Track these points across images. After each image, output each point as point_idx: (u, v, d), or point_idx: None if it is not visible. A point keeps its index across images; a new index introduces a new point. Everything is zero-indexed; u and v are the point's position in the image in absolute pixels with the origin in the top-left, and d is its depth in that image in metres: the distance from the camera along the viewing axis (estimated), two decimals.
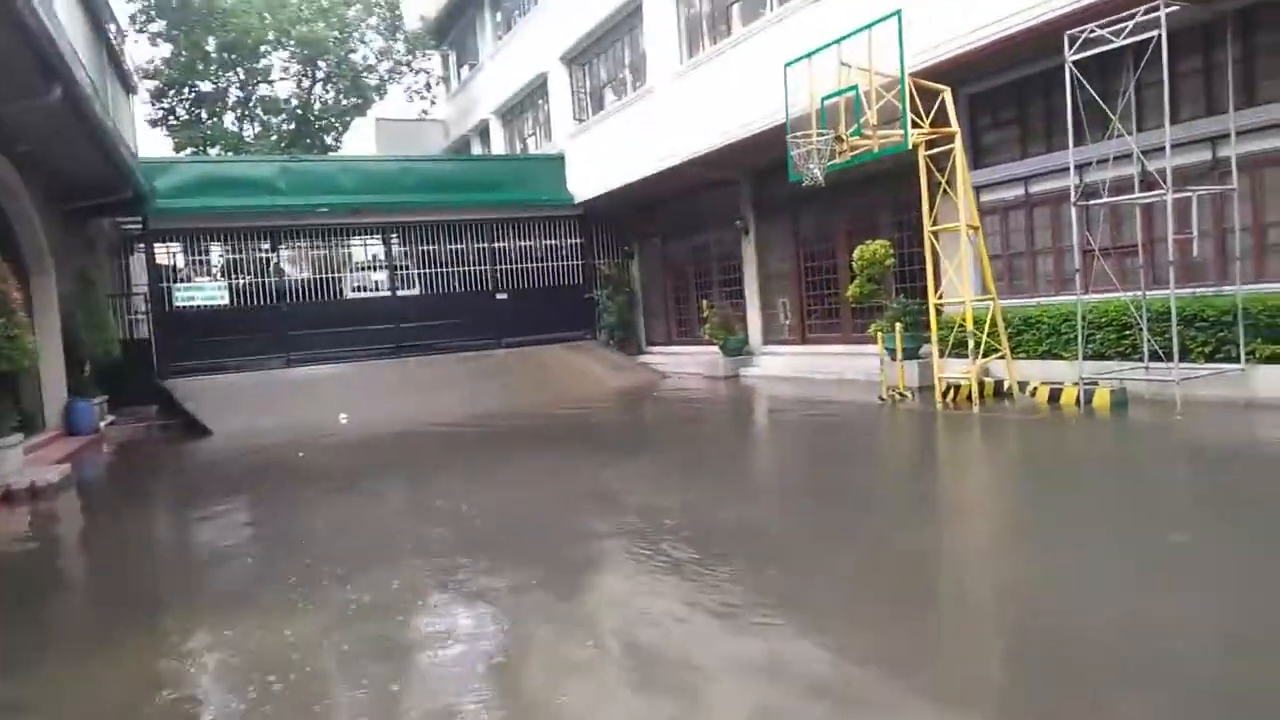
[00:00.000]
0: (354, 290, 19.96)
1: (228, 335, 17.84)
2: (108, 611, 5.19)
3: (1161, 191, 8.56)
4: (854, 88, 10.26)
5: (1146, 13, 8.28)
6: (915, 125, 10.32)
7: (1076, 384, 9.52)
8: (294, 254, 20.15)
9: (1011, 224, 12.02)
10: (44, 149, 11.88)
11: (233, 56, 26.30)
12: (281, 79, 28.35)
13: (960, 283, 10.83)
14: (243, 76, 27.38)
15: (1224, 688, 3.16)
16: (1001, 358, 10.79)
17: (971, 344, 10.61)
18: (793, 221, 16.53)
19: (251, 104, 28.19)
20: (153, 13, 25.39)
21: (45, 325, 12.72)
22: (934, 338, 11.17)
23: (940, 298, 11.21)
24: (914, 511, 6.33)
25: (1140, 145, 9.23)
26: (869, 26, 10.12)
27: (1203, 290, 9.44)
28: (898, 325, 11.76)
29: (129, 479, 10.93)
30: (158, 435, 15.15)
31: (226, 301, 18.19)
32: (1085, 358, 9.71)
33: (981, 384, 10.53)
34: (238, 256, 18.57)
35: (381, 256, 20.18)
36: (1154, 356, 9.45)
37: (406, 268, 20.14)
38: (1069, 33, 9.03)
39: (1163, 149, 8.83)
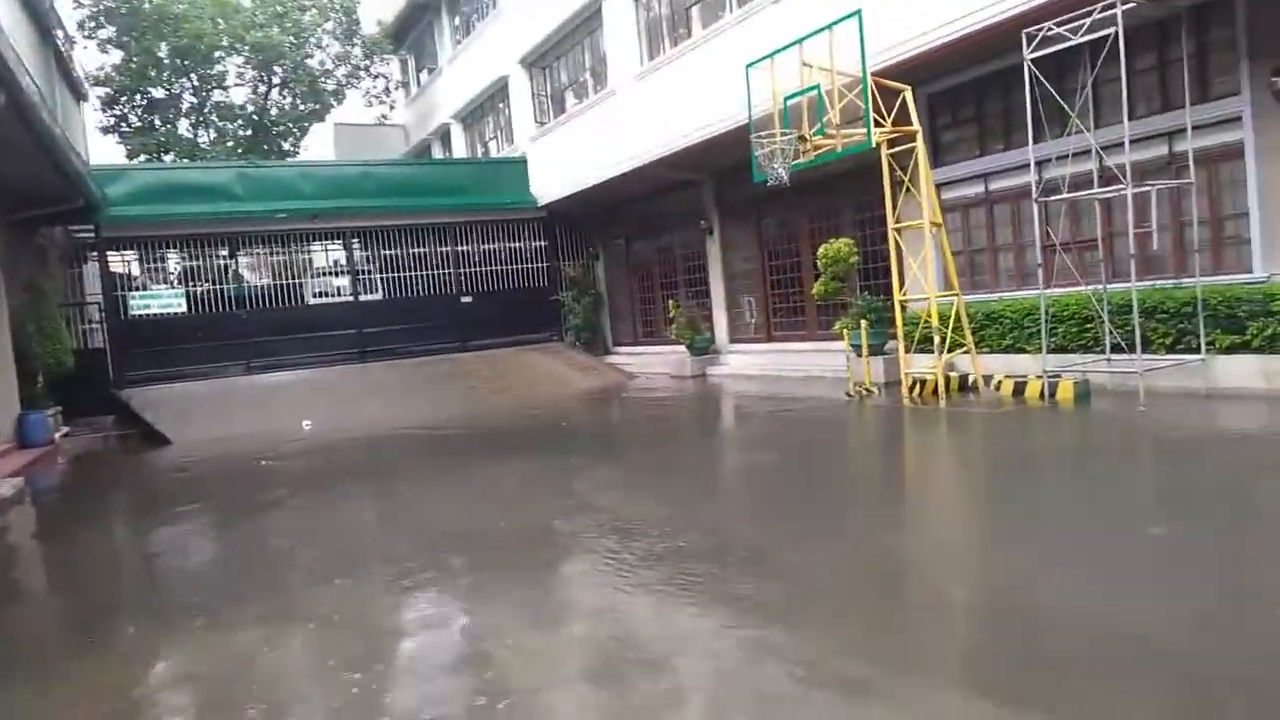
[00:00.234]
0: (315, 296, 19.66)
1: (186, 343, 17.50)
2: (55, 626, 5.03)
3: (1121, 186, 8.69)
4: (816, 87, 10.30)
5: (1103, 10, 8.40)
6: (877, 124, 10.40)
7: (1040, 377, 9.64)
8: (253, 260, 19.86)
9: (972, 221, 12.15)
10: None
11: (185, 62, 25.82)
12: (237, 85, 27.90)
13: (924, 279, 10.93)
14: (196, 83, 26.87)
15: (1184, 671, 3.19)
16: (966, 352, 10.90)
17: (937, 339, 10.70)
18: (757, 221, 16.59)
19: (206, 110, 27.68)
20: (102, 19, 24.82)
21: None
22: (899, 334, 11.26)
23: (905, 294, 11.30)
24: (886, 507, 6.37)
25: (1098, 141, 9.38)
26: (830, 26, 10.17)
27: (1162, 282, 9.61)
28: (863, 322, 11.84)
29: (84, 491, 10.65)
30: (115, 446, 14.79)
31: (184, 309, 17.82)
32: (1048, 351, 9.84)
33: (947, 379, 10.63)
34: (195, 264, 18.22)
35: (343, 262, 19.90)
36: (1115, 349, 9.60)
37: (369, 272, 19.89)
38: (1026, 31, 9.15)
39: (1120, 145, 8.97)
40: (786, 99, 10.68)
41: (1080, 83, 9.45)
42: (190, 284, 18.13)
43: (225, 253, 18.61)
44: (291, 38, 26.48)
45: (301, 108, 28.37)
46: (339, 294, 19.77)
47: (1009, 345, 10.91)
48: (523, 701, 3.35)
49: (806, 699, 3.19)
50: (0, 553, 7.40)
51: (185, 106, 27.38)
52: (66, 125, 15.55)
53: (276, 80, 27.58)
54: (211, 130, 27.96)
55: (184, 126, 27.55)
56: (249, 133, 27.94)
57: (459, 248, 20.35)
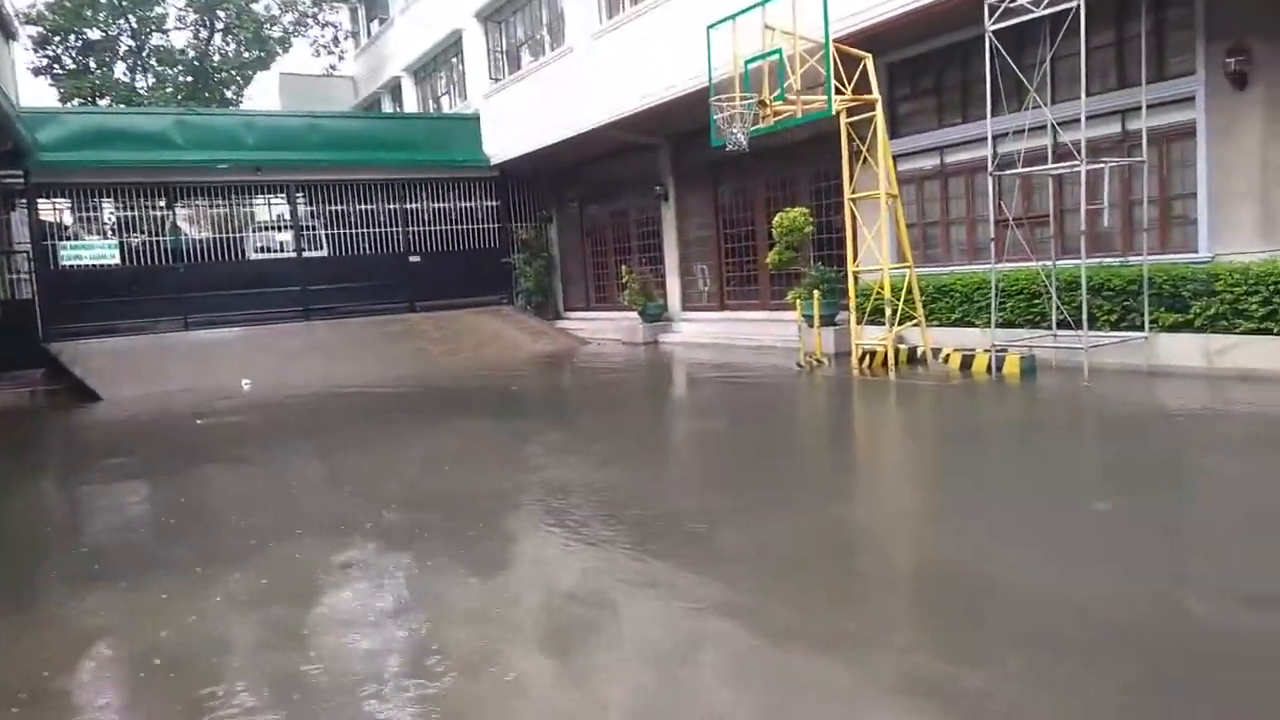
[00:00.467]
0: (257, 251, 19.07)
1: (120, 297, 16.90)
2: None
3: (1075, 163, 8.70)
4: (778, 51, 10.13)
5: None
6: (838, 92, 10.29)
7: (988, 351, 9.69)
8: (192, 212, 19.18)
9: (926, 193, 12.15)
10: None
11: (123, 3, 24.77)
12: (177, 28, 26.91)
13: (879, 251, 10.90)
14: (135, 24, 25.83)
15: (1120, 636, 3.18)
16: (916, 325, 10.93)
17: (888, 311, 10.70)
18: (713, 188, 16.43)
19: (145, 54, 26.65)
20: None
21: None
22: (851, 305, 11.24)
23: (858, 265, 11.28)
24: (830, 477, 6.34)
25: (1053, 117, 9.38)
26: None
27: (1109, 260, 9.69)
28: (815, 292, 11.80)
29: (1, 448, 10.21)
30: (41, 401, 14.28)
31: (117, 261, 17.17)
32: (997, 326, 9.89)
33: (896, 351, 10.65)
34: (131, 214, 17.53)
35: (287, 216, 19.27)
36: (1062, 325, 9.69)
37: (314, 228, 19.34)
38: (989, 1, 9.07)
39: (1074, 121, 8.98)
40: (747, 62, 10.50)
41: (1039, 57, 9.43)
42: (126, 235, 17.46)
43: (163, 203, 17.95)
44: None
45: (245, 55, 27.47)
46: (282, 249, 19.20)
47: (959, 319, 10.96)
48: (447, 663, 3.22)
49: (752, 667, 3.12)
50: None
51: (122, 49, 26.34)
52: None
53: (219, 25, 26.64)
54: (150, 75, 26.95)
55: (121, 70, 26.54)
56: (189, 79, 27.00)
57: (408, 205, 19.88)
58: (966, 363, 9.98)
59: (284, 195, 19.08)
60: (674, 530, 4.86)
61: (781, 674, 3.09)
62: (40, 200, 16.77)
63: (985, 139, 9.95)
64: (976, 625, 3.44)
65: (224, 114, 21.89)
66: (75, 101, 24.69)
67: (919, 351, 10.89)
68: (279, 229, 19.43)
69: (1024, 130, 9.56)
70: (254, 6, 26.66)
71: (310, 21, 27.94)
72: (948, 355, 10.37)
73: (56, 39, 25.00)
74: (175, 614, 4.00)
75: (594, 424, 9.37)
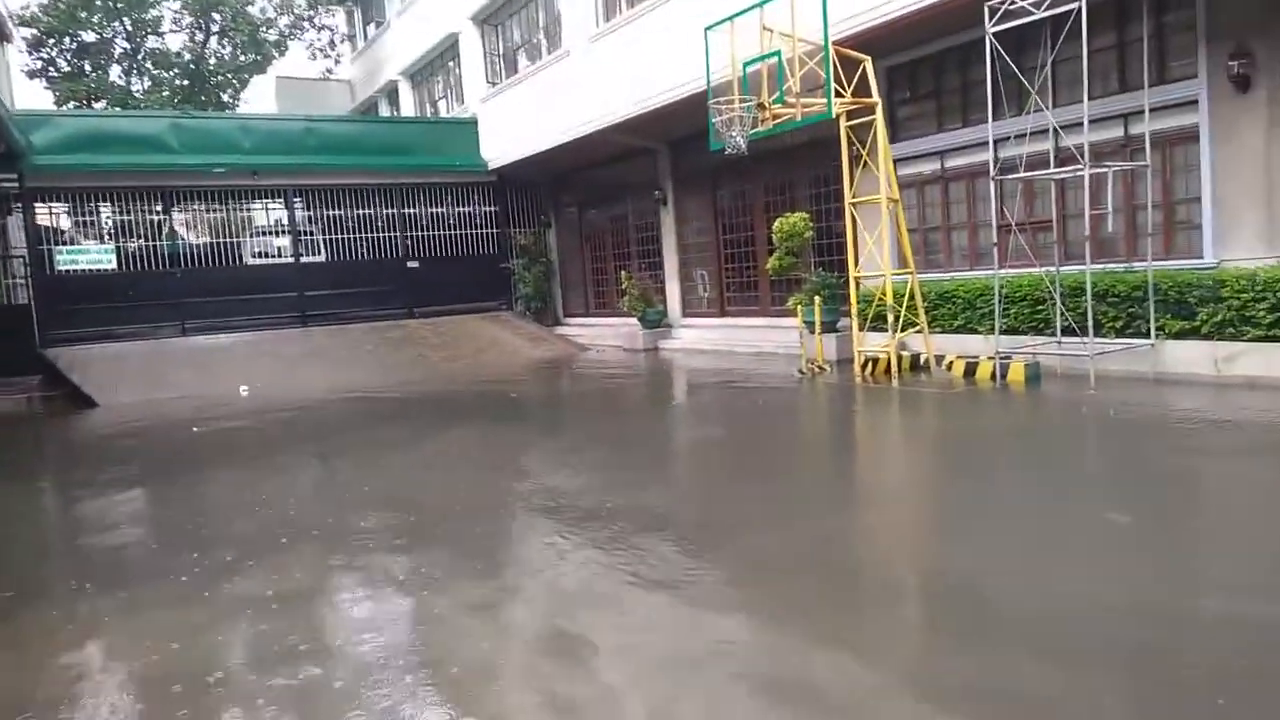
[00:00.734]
0: (255, 256, 18.98)
1: (118, 302, 16.79)
2: None
3: (1079, 166, 8.61)
4: (777, 53, 10.05)
5: None
6: (838, 94, 10.20)
7: (992, 358, 9.60)
8: (189, 217, 19.08)
9: (927, 198, 12.06)
10: None
11: (119, 5, 24.66)
12: (173, 31, 26.75)
13: (880, 256, 10.81)
14: (130, 27, 25.68)
15: (1122, 648, 3.09)
16: (919, 331, 10.84)
17: (890, 318, 10.61)
18: (712, 193, 16.34)
19: (140, 57, 26.50)
20: None
21: None
22: (853, 311, 11.15)
23: (859, 271, 11.19)
24: (834, 488, 6.24)
25: (1054, 121, 9.29)
26: None
27: (1114, 266, 9.60)
28: (816, 298, 11.71)
29: None
30: (38, 408, 14.17)
31: (114, 265, 17.05)
32: (1000, 332, 9.80)
33: (899, 358, 10.56)
34: (128, 218, 17.41)
35: (284, 221, 19.18)
36: (1066, 331, 9.60)
37: (311, 233, 19.24)
38: (989, 3, 8.99)
39: (1075, 125, 8.89)
40: (746, 64, 10.42)
41: (1040, 61, 9.35)
42: (122, 239, 17.35)
43: (159, 208, 17.85)
44: None
45: (241, 58, 27.33)
46: (280, 255, 19.11)
47: (961, 325, 10.87)
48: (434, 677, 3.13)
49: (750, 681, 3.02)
50: None
51: (118, 52, 26.20)
52: None
53: (215, 28, 26.49)
54: (145, 78, 26.81)
55: (116, 73, 26.40)
56: (185, 82, 26.85)
57: (406, 210, 19.78)
58: (970, 370, 9.89)
59: (281, 200, 18.97)
60: (678, 539, 4.77)
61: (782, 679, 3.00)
62: (36, 204, 16.67)
63: (985, 143, 9.88)
64: (995, 640, 3.35)
65: (220, 117, 21.77)
66: (70, 104, 24.57)
67: (922, 358, 10.80)
68: (276, 234, 19.35)
69: (1025, 134, 9.48)
70: (250, 10, 26.53)
71: (306, 25, 27.82)
72: (951, 362, 10.28)
73: (51, 41, 24.86)
74: (140, 633, 3.90)
75: (594, 434, 9.27)
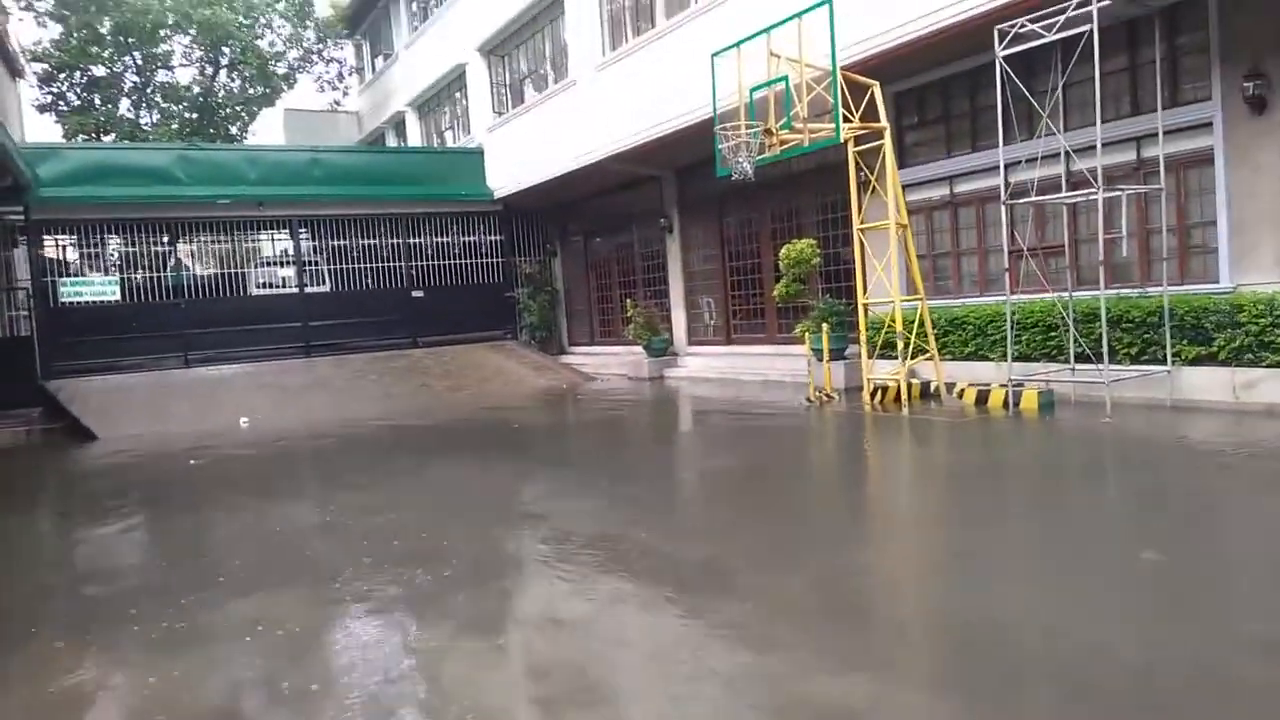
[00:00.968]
0: (259, 286, 18.89)
1: (120, 333, 16.71)
2: None
3: (1092, 190, 8.44)
4: (784, 78, 9.96)
5: (1078, 7, 8.14)
6: (845, 120, 10.08)
7: (1004, 386, 9.39)
8: (195, 248, 19.06)
9: (936, 224, 11.91)
10: None
11: (129, 40, 24.84)
12: (182, 65, 26.98)
13: (889, 282, 10.64)
14: (140, 61, 25.90)
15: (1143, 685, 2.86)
16: (929, 359, 10.63)
17: (900, 345, 10.42)
18: (718, 220, 16.23)
19: (149, 91, 26.69)
20: None
21: None
22: (862, 338, 10.95)
23: (868, 297, 11.01)
24: (844, 524, 6.01)
25: (1066, 144, 9.15)
26: (799, 15, 9.83)
27: (1127, 291, 9.40)
28: (824, 325, 11.52)
29: None
30: (38, 440, 14.03)
31: (118, 297, 16.99)
32: (1012, 359, 9.59)
33: (909, 386, 10.35)
34: (133, 250, 17.38)
35: (289, 251, 19.12)
36: (1080, 358, 9.39)
37: (316, 263, 19.18)
38: (999, 27, 8.88)
39: (1086, 149, 8.75)
40: (753, 90, 10.33)
41: (1051, 84, 9.23)
42: (127, 271, 17.30)
43: (165, 239, 17.83)
44: (241, 17, 25.58)
45: (250, 91, 27.51)
46: (284, 285, 19.01)
47: (972, 352, 10.66)
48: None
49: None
50: None
51: (127, 86, 26.39)
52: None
53: (224, 61, 26.71)
54: (155, 112, 26.99)
55: (125, 107, 26.59)
56: (194, 116, 27.01)
57: (411, 240, 19.73)
58: (982, 398, 9.67)
59: (287, 230, 18.93)
60: (685, 579, 4.55)
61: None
62: (42, 236, 16.65)
63: (994, 168, 9.75)
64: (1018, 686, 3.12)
65: (227, 149, 21.83)
66: (80, 138, 24.70)
67: (932, 386, 10.58)
68: (281, 264, 19.28)
69: (1037, 158, 9.34)
70: (259, 43, 26.71)
71: (315, 58, 28.01)
72: (962, 390, 10.06)
73: (61, 75, 25.06)
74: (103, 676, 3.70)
75: (600, 466, 9.05)
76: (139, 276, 17.30)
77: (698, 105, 12.38)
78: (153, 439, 12.49)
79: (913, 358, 10.57)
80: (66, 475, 10.72)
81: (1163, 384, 8.73)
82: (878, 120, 10.31)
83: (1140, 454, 7.27)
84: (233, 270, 18.31)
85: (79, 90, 25.66)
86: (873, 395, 10.51)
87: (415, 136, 25.37)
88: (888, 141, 10.38)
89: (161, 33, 25.08)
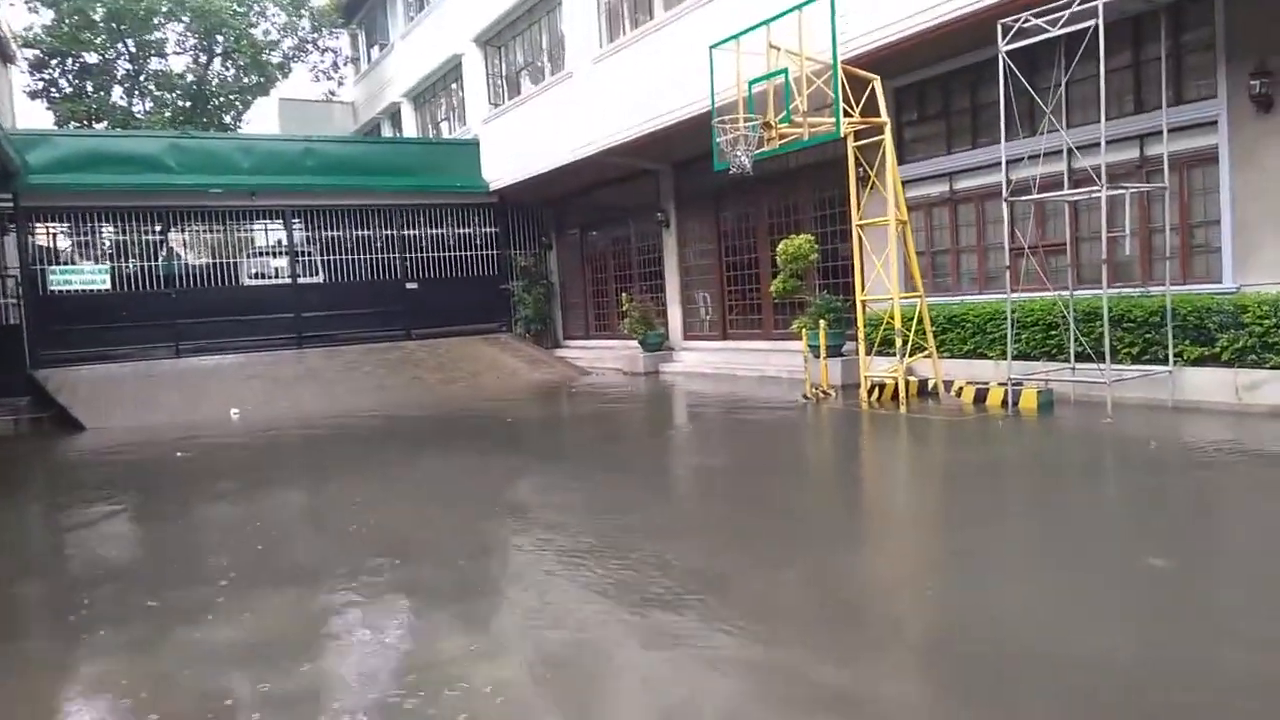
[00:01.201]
0: (252, 277, 18.70)
1: (110, 323, 16.52)
2: None
3: (1095, 188, 8.34)
4: (784, 71, 9.83)
5: (1083, 2, 8.02)
6: (845, 114, 9.96)
7: (1003, 385, 9.29)
8: (187, 237, 18.86)
9: (935, 221, 11.80)
10: None
11: (121, 27, 24.60)
12: (176, 53, 26.94)
13: (888, 278, 10.53)
14: (133, 49, 25.66)
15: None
16: (927, 356, 10.53)
17: (898, 342, 10.31)
18: (715, 214, 16.11)
19: (142, 78, 26.44)
20: None
21: None
22: (860, 335, 10.85)
23: (866, 294, 10.90)
24: (838, 524, 5.89)
25: (1069, 141, 9.04)
26: (800, 7, 9.70)
27: (1129, 290, 9.30)
28: (821, 322, 11.41)
29: None
30: (25, 430, 13.87)
31: (108, 286, 16.80)
32: (1012, 358, 9.49)
33: (907, 383, 10.25)
34: (124, 238, 17.17)
35: (282, 242, 18.93)
36: (1080, 357, 9.29)
37: (309, 254, 18.99)
38: (1003, 22, 8.76)
39: (1089, 146, 8.64)
40: (751, 83, 10.20)
41: (1054, 80, 9.11)
42: (118, 260, 17.10)
43: (157, 228, 17.63)
44: (235, 5, 25.35)
45: (244, 80, 27.28)
46: (277, 275, 18.82)
47: (970, 350, 10.56)
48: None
49: None
50: None
51: (120, 73, 26.17)
52: None
53: (218, 50, 26.48)
54: (147, 100, 26.76)
55: (118, 94, 26.34)
56: (187, 104, 26.78)
57: (405, 231, 19.56)
58: (980, 396, 9.57)
59: (280, 220, 18.75)
60: (679, 587, 4.44)
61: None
62: (31, 224, 16.46)
63: (994, 164, 9.65)
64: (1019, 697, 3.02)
65: (219, 138, 21.65)
66: (71, 125, 24.47)
67: (930, 384, 10.48)
68: (274, 255, 19.07)
69: (1039, 155, 9.22)
70: (253, 31, 26.47)
71: (310, 47, 27.79)
72: (960, 388, 9.96)
73: (53, 62, 24.81)
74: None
75: (593, 462, 8.93)
76: (130, 265, 17.11)
77: (696, 98, 12.24)
78: (141, 430, 12.34)
79: (911, 355, 10.47)
80: (52, 466, 10.57)
81: (1164, 384, 8.63)
82: (878, 115, 10.19)
83: (1142, 455, 7.16)
84: (225, 260, 18.14)
85: (71, 77, 25.45)
86: (870, 392, 10.41)
87: (411, 128, 25.18)
88: (888, 137, 10.26)
89: (155, 20, 24.86)
